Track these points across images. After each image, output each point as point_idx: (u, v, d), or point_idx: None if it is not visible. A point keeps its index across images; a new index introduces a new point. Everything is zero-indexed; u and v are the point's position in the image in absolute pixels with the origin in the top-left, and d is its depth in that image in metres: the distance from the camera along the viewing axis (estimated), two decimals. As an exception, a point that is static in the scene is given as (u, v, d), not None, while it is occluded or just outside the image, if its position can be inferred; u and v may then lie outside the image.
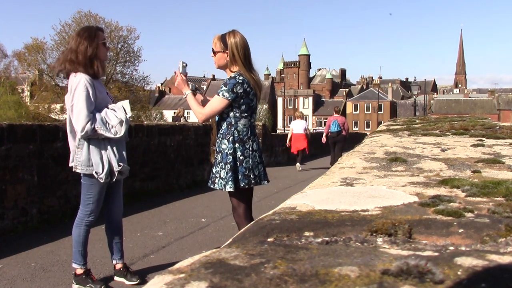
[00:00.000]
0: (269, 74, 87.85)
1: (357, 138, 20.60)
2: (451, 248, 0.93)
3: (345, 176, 1.82)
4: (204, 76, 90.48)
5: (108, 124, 3.12)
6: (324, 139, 12.41)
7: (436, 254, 0.87)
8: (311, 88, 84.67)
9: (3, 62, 39.73)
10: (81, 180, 3.24)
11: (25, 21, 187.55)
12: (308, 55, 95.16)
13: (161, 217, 5.86)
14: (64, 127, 4.08)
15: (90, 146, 3.14)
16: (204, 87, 74.54)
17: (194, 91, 3.31)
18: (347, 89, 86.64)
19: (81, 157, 3.15)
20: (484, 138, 3.33)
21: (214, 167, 3.16)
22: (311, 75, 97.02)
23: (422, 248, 0.92)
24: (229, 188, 3.05)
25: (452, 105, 68.84)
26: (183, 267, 0.78)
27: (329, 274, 0.74)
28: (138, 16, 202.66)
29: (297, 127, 12.46)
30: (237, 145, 3.09)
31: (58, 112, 34.69)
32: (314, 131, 29.56)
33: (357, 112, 73.95)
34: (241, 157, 3.08)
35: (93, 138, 3.13)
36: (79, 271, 3.32)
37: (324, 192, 1.49)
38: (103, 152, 3.15)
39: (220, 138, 3.14)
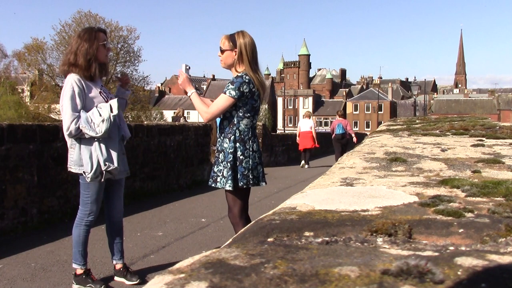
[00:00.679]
0: (269, 74, 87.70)
1: (357, 138, 20.57)
2: (451, 248, 0.93)
3: (345, 176, 1.82)
4: (204, 76, 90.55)
5: (93, 123, 3.11)
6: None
7: (436, 254, 0.87)
8: (311, 88, 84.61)
9: (3, 62, 39.76)
10: (79, 180, 3.25)
11: (25, 21, 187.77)
12: (308, 55, 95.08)
13: (161, 217, 5.86)
14: (64, 127, 4.08)
15: (81, 145, 3.14)
16: (204, 87, 74.61)
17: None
18: (347, 89, 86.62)
19: (73, 157, 3.15)
20: (484, 138, 3.33)
21: (216, 166, 3.16)
22: (311, 75, 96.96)
23: (422, 248, 0.92)
24: (228, 187, 3.06)
25: (452, 105, 68.87)
26: (183, 267, 0.78)
27: (329, 274, 0.74)
28: (138, 16, 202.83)
29: (304, 126, 12.85)
30: (238, 144, 3.09)
31: (58, 112, 34.59)
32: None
33: (357, 112, 73.92)
34: (241, 157, 3.08)
35: (84, 138, 3.13)
36: (79, 271, 3.33)
37: (324, 192, 1.49)
38: (92, 151, 3.14)
39: (222, 137, 3.15)
